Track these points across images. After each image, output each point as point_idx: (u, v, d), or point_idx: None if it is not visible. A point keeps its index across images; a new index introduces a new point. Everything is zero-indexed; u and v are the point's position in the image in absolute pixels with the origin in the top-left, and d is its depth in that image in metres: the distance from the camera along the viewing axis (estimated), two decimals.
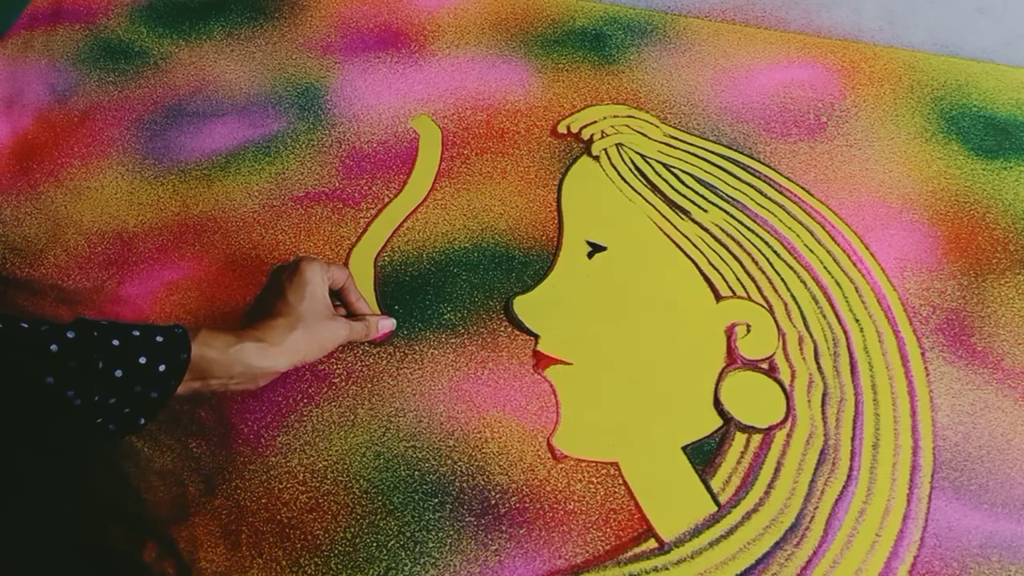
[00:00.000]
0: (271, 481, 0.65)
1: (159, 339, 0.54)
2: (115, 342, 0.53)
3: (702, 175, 0.85)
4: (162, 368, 0.54)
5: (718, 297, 0.76)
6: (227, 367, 0.58)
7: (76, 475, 0.45)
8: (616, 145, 0.87)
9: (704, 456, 0.67)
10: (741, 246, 0.79)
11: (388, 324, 0.71)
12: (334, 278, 0.67)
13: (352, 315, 0.69)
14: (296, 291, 0.63)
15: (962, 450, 0.67)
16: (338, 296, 0.69)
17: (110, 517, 0.48)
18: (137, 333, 0.54)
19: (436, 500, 0.64)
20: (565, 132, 0.89)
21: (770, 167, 0.86)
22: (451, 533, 0.63)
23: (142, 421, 0.54)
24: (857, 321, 0.74)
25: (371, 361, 0.72)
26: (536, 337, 0.74)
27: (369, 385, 0.71)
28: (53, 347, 0.52)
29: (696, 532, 0.63)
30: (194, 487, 0.64)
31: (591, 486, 0.65)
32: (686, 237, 0.80)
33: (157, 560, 0.52)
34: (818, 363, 0.72)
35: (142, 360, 0.53)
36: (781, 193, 0.84)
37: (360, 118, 0.91)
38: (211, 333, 0.58)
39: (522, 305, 0.75)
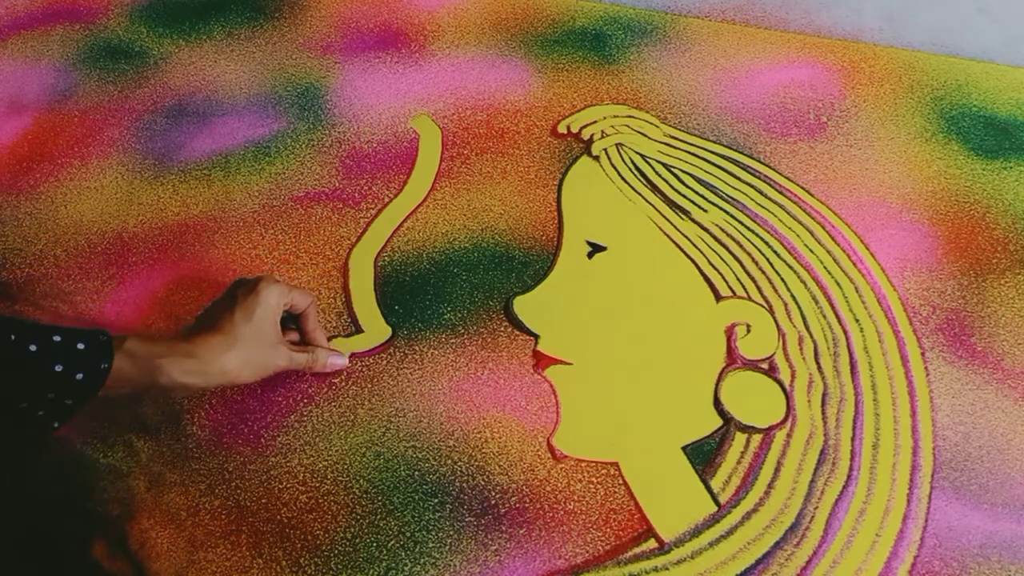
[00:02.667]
0: (271, 481, 0.65)
1: (80, 346, 0.54)
2: (32, 348, 0.52)
3: (702, 175, 0.85)
4: (79, 377, 0.53)
5: (718, 297, 0.76)
6: (150, 379, 0.58)
7: (11, 472, 0.45)
8: (616, 145, 0.87)
9: (704, 456, 0.67)
10: (741, 246, 0.79)
11: (339, 361, 0.70)
12: (295, 303, 0.67)
13: (306, 343, 0.69)
14: (245, 310, 0.62)
15: (962, 450, 0.67)
16: (296, 322, 0.69)
17: (54, 514, 0.48)
18: (58, 338, 0.53)
19: (436, 500, 0.64)
20: (565, 132, 0.89)
21: (770, 167, 0.86)
22: (451, 533, 0.63)
23: (56, 425, 0.53)
24: (857, 321, 0.74)
25: (371, 361, 0.72)
26: (536, 337, 0.74)
27: (369, 385, 0.71)
28: None
29: (696, 532, 0.63)
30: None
31: (591, 486, 0.65)
32: (686, 237, 0.80)
33: (108, 558, 0.52)
34: (818, 363, 0.72)
35: (58, 368, 0.52)
36: (781, 193, 0.84)
37: (360, 118, 0.91)
38: (139, 343, 0.57)
39: (522, 305, 0.75)
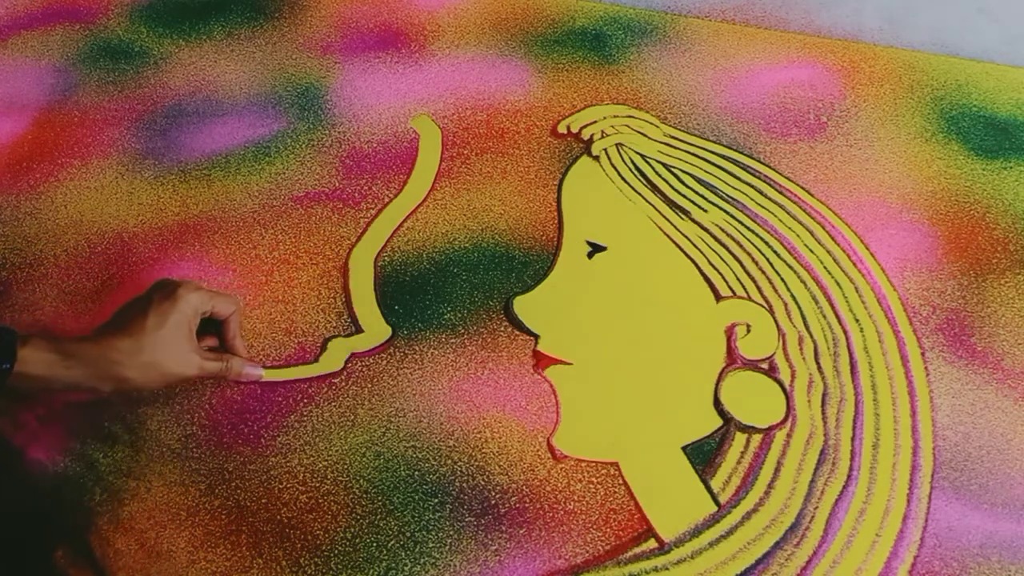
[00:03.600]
0: (271, 481, 0.65)
1: None
2: None
3: (702, 175, 0.85)
4: None
5: (718, 297, 0.76)
6: (51, 381, 0.58)
7: None
8: (616, 145, 0.87)
9: (704, 456, 0.67)
10: (741, 246, 0.79)
11: (253, 372, 0.68)
12: (217, 309, 0.66)
13: (223, 350, 0.68)
14: (158, 315, 0.61)
15: (962, 450, 0.67)
16: (217, 328, 0.68)
17: (13, 520, 0.49)
18: None
19: (436, 500, 0.64)
20: (565, 132, 0.89)
21: (770, 167, 0.86)
22: (451, 533, 0.63)
23: None
24: (857, 321, 0.74)
25: (371, 361, 0.72)
26: (536, 337, 0.74)
27: (369, 385, 0.71)
28: None
29: (696, 532, 0.63)
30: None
31: (591, 486, 0.65)
32: (686, 237, 0.80)
33: (71, 563, 0.52)
34: (818, 363, 0.72)
35: None
36: (781, 193, 0.84)
37: (360, 118, 0.91)
38: (43, 344, 0.57)
39: (522, 305, 0.75)
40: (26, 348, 0.56)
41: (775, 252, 0.79)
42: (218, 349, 0.68)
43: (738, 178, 0.85)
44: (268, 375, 0.70)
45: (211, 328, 0.68)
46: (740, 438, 0.68)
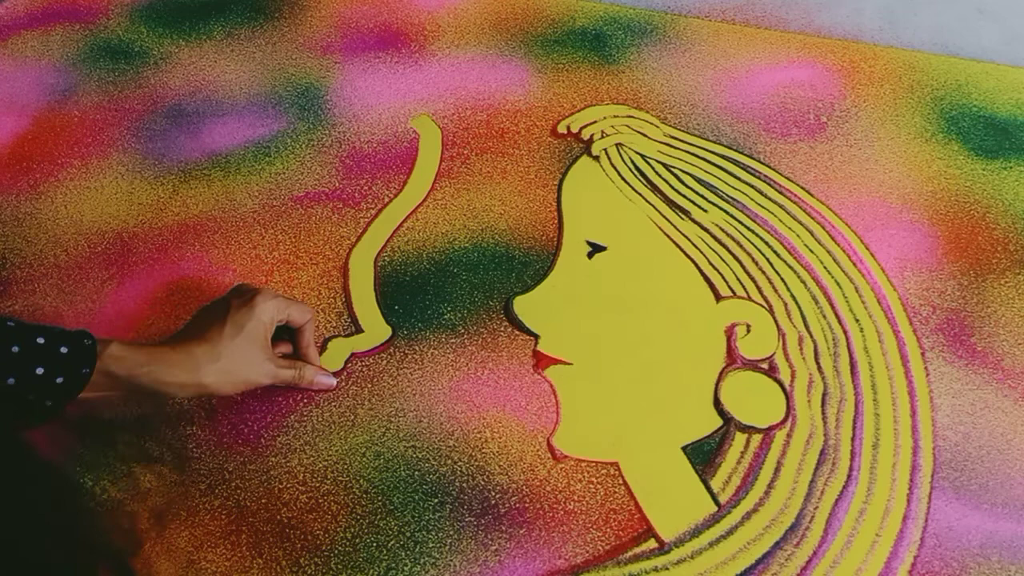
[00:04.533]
0: (271, 481, 0.65)
1: (63, 350, 0.54)
2: (15, 348, 0.52)
3: (702, 175, 0.85)
4: (60, 380, 0.53)
5: (718, 297, 0.76)
6: (131, 385, 0.58)
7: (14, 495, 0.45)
8: (616, 145, 0.87)
9: (704, 456, 0.67)
10: (741, 246, 0.79)
11: (326, 380, 0.69)
12: (292, 317, 0.66)
13: (297, 358, 0.69)
14: (236, 322, 0.62)
15: (962, 450, 0.67)
16: (291, 335, 0.69)
17: (56, 542, 0.49)
18: (41, 340, 0.53)
19: (436, 500, 0.64)
20: (565, 132, 0.89)
21: (770, 167, 0.86)
22: (451, 533, 0.63)
23: (33, 423, 0.54)
24: (857, 321, 0.74)
25: (371, 361, 0.72)
26: (536, 337, 0.74)
27: (369, 385, 0.71)
28: None
29: (696, 532, 0.63)
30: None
31: (591, 486, 0.65)
32: (686, 237, 0.80)
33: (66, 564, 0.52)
34: (818, 363, 0.72)
35: (39, 371, 0.53)
36: (781, 193, 0.84)
37: (360, 118, 0.91)
38: (123, 347, 0.57)
39: (522, 305, 0.75)
40: (106, 352, 0.56)
41: (775, 252, 0.79)
42: (291, 356, 0.69)
43: (738, 178, 0.85)
44: None
45: (285, 335, 0.68)
46: (740, 438, 0.68)
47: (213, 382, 0.61)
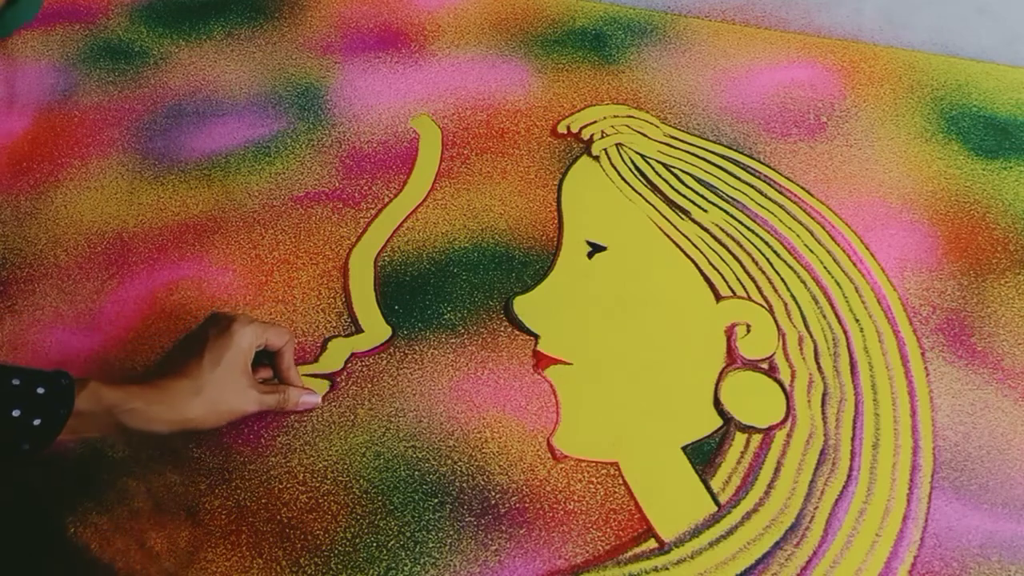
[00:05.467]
0: (271, 481, 0.65)
1: (40, 391, 0.53)
2: None
3: (702, 175, 0.85)
4: (37, 423, 0.53)
5: (718, 297, 0.76)
6: (111, 425, 0.57)
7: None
8: (616, 145, 0.87)
9: (704, 456, 0.67)
10: (741, 246, 0.79)
11: (311, 399, 0.68)
12: (270, 341, 0.65)
13: (279, 382, 0.67)
14: (215, 352, 0.61)
15: (962, 450, 0.67)
16: (271, 359, 0.67)
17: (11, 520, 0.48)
18: (17, 382, 0.53)
19: (436, 500, 0.64)
20: (565, 132, 0.89)
21: (770, 167, 0.86)
22: (451, 533, 0.63)
23: (9, 466, 0.53)
24: (857, 321, 0.74)
25: (371, 361, 0.72)
26: (536, 337, 0.74)
27: (369, 385, 0.71)
28: None
29: (696, 532, 0.63)
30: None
31: (591, 486, 0.65)
32: (686, 237, 0.80)
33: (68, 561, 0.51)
34: (818, 363, 0.72)
35: (15, 413, 0.52)
36: (781, 193, 0.84)
37: (360, 118, 0.91)
38: (100, 388, 0.56)
39: (522, 305, 0.75)
40: (83, 393, 0.55)
41: (775, 252, 0.79)
42: (272, 380, 0.68)
43: (738, 178, 0.85)
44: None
45: (264, 359, 0.67)
46: (740, 438, 0.68)
47: (198, 416, 0.60)
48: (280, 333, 0.66)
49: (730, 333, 0.74)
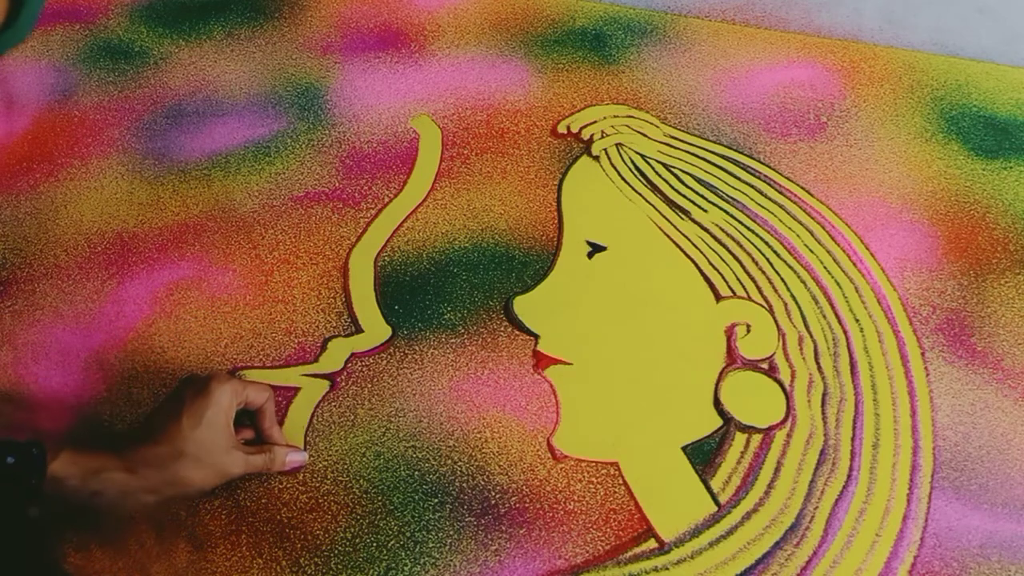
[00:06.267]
0: (271, 481, 0.65)
1: (9, 460, 0.52)
2: None
3: (702, 175, 0.85)
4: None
5: (718, 297, 0.76)
6: (87, 496, 0.55)
7: None
8: (616, 145, 0.87)
9: (704, 456, 0.67)
10: (741, 246, 0.79)
11: (298, 458, 0.65)
12: (250, 399, 0.63)
13: (262, 442, 0.65)
14: (193, 415, 0.58)
15: (962, 450, 0.67)
16: (252, 418, 0.65)
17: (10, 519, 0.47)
18: None
19: (436, 500, 0.64)
20: (565, 132, 0.89)
21: (770, 167, 0.86)
22: (451, 533, 0.63)
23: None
24: (857, 321, 0.74)
25: (371, 361, 0.72)
26: (536, 337, 0.74)
27: (369, 385, 0.71)
28: None
29: (696, 532, 0.63)
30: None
31: (591, 486, 0.65)
32: (686, 237, 0.80)
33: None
34: (818, 363, 0.72)
35: None
36: (781, 193, 0.84)
37: (360, 118, 0.91)
38: (75, 456, 0.55)
39: (522, 305, 0.75)
40: (56, 462, 0.54)
41: (775, 252, 0.79)
42: (255, 441, 0.65)
43: (738, 178, 0.85)
44: (268, 376, 0.70)
45: (245, 419, 0.64)
46: (740, 438, 0.68)
47: (181, 479, 0.58)
48: (260, 390, 0.64)
49: (730, 333, 0.74)
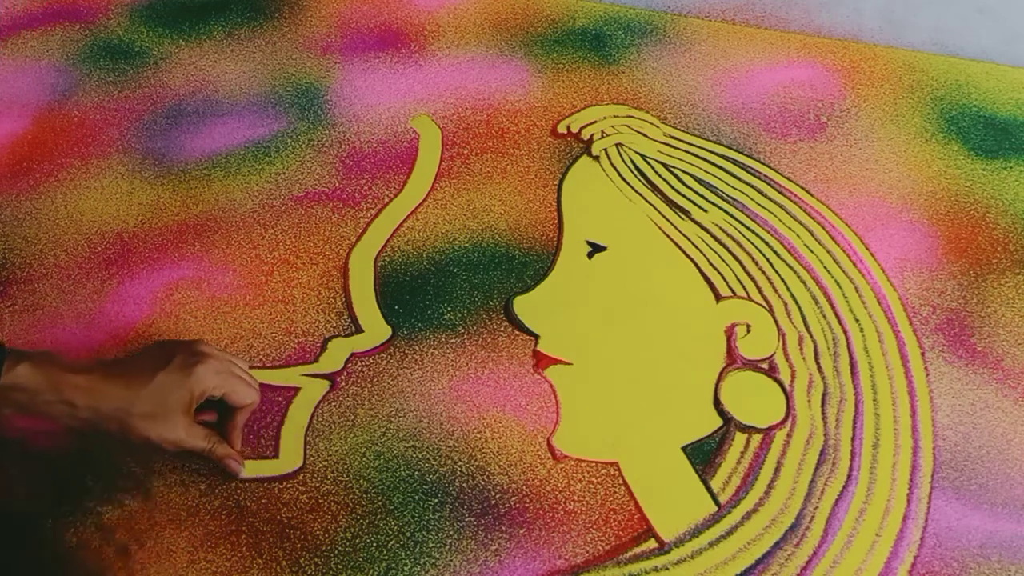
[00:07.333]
0: (271, 481, 0.65)
1: None
2: None
3: (702, 175, 0.85)
4: None
5: (718, 297, 0.76)
6: (38, 406, 0.56)
7: None
8: (616, 145, 0.87)
9: (704, 456, 0.67)
10: (741, 246, 0.79)
11: (235, 466, 0.64)
12: (232, 397, 0.62)
13: (216, 431, 0.64)
14: (169, 378, 0.59)
15: (962, 450, 0.67)
16: (222, 409, 0.64)
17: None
18: None
19: (436, 500, 0.64)
20: (565, 132, 0.89)
21: (770, 167, 0.86)
22: (451, 533, 0.63)
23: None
24: (857, 321, 0.74)
25: (371, 361, 0.72)
26: (536, 337, 0.74)
27: (369, 385, 0.71)
28: None
29: (696, 532, 0.63)
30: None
31: (591, 486, 0.65)
32: (686, 237, 0.80)
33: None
34: (818, 363, 0.72)
35: None
36: (781, 193, 0.84)
37: (360, 118, 0.91)
38: (36, 367, 0.55)
39: (522, 305, 0.75)
40: (20, 367, 0.54)
41: (775, 252, 0.79)
42: (213, 426, 0.64)
43: (738, 178, 0.85)
44: (268, 376, 0.70)
45: (218, 405, 0.64)
46: (740, 438, 0.68)
47: (132, 421, 0.58)
48: (248, 393, 0.63)
49: (730, 333, 0.74)
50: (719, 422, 0.69)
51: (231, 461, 0.64)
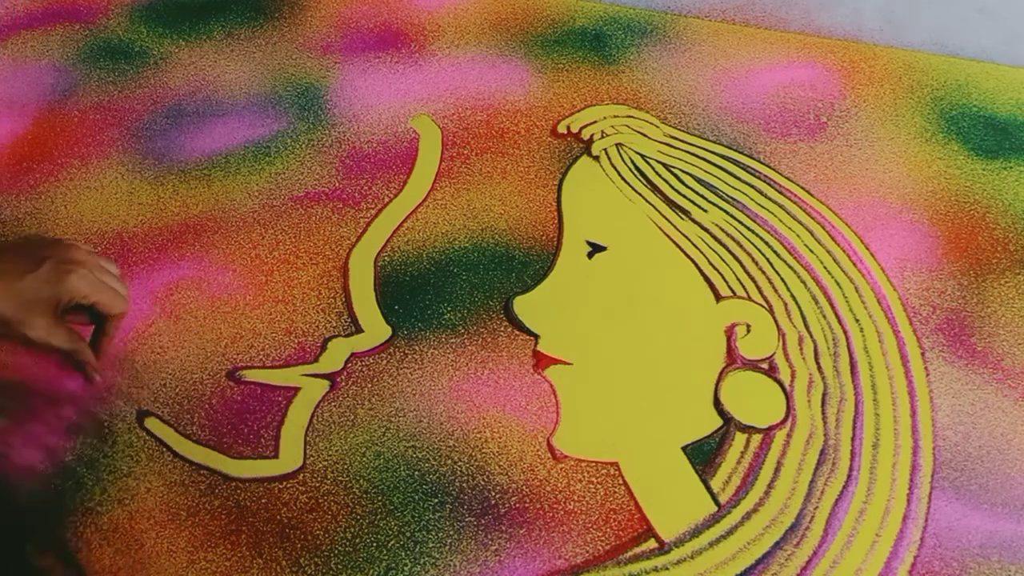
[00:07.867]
0: (271, 481, 0.65)
1: None
2: None
3: (702, 175, 0.85)
4: None
5: (718, 297, 0.76)
6: None
7: None
8: (616, 145, 0.87)
9: (704, 456, 0.67)
10: (741, 246, 0.79)
11: (93, 375, 0.65)
12: (101, 304, 0.62)
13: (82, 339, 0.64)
14: (38, 281, 0.58)
15: (962, 450, 0.67)
16: (97, 320, 0.64)
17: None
18: None
19: (436, 500, 0.64)
20: (565, 132, 0.89)
21: (770, 167, 0.86)
22: (451, 533, 0.63)
23: None
24: (857, 321, 0.74)
25: (371, 361, 0.72)
26: (536, 337, 0.74)
27: (369, 385, 0.71)
28: None
29: (696, 532, 0.63)
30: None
31: (591, 486, 0.65)
32: (686, 237, 0.80)
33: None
34: (818, 363, 0.72)
35: None
36: (781, 193, 0.84)
37: (360, 118, 0.91)
38: None
39: (522, 305, 0.75)
40: None
41: (775, 252, 0.79)
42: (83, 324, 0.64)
43: (738, 178, 0.85)
44: (268, 376, 0.70)
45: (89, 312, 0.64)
46: (740, 438, 0.68)
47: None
48: (117, 303, 0.63)
49: (730, 333, 0.74)
50: (719, 422, 0.69)
51: (90, 369, 0.64)
